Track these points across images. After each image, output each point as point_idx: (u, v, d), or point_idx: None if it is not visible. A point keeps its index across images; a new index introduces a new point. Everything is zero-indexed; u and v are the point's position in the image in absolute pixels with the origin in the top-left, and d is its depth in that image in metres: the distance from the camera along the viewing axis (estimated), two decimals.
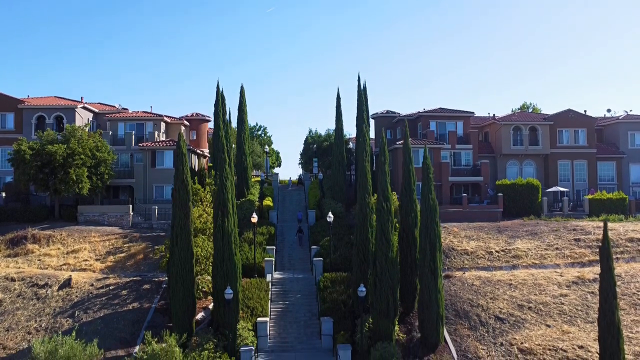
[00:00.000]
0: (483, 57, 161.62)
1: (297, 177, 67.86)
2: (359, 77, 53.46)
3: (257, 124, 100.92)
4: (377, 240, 31.51)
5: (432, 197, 31.69)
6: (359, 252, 34.27)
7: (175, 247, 31.28)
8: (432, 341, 31.16)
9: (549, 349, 30.24)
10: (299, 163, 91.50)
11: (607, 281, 24.15)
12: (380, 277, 31.09)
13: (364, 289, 30.62)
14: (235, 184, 47.56)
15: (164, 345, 24.63)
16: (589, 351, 29.84)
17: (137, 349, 28.79)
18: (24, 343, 30.95)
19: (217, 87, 56.07)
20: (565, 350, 30.13)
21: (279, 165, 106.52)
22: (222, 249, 31.47)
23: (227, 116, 55.22)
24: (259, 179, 62.66)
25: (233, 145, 55.14)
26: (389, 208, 31.55)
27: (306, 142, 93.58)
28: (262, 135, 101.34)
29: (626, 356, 27.87)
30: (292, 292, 39.10)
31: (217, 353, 27.80)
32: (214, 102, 53.23)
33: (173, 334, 26.11)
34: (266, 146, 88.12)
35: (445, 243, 42.02)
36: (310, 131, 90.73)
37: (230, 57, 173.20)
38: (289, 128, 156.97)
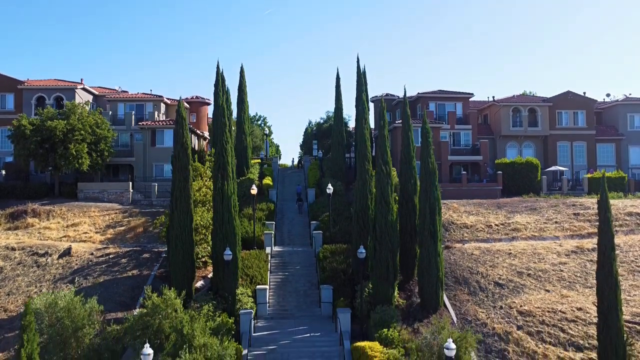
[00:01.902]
0: (482, 42, 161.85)
1: (298, 159, 67.82)
2: (358, 59, 53.75)
3: (257, 114, 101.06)
4: (377, 204, 31.55)
5: (432, 160, 31.75)
6: (358, 218, 34.31)
7: (175, 210, 31.33)
8: (431, 305, 31.20)
9: (548, 311, 30.30)
10: (299, 153, 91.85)
11: (605, 232, 24.21)
12: (379, 241, 31.13)
13: (363, 251, 30.66)
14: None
15: (164, 296, 24.66)
16: (587, 312, 29.93)
17: (136, 311, 28.82)
18: (24, 306, 30.94)
19: (217, 67, 56.20)
20: (564, 312, 30.20)
21: (279, 159, 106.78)
22: (221, 211, 31.53)
23: (227, 95, 55.27)
24: (259, 161, 62.72)
25: (233, 128, 55.20)
26: (388, 171, 31.60)
27: (306, 133, 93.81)
28: (262, 125, 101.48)
29: (624, 316, 27.92)
30: (291, 263, 39.14)
31: (217, 313, 27.81)
32: (214, 82, 53.13)
33: (172, 288, 26.13)
34: (266, 128, 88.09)
35: (444, 218, 42.06)
36: (309, 122, 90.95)
37: (229, 46, 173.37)
38: (288, 120, 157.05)
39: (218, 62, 70.89)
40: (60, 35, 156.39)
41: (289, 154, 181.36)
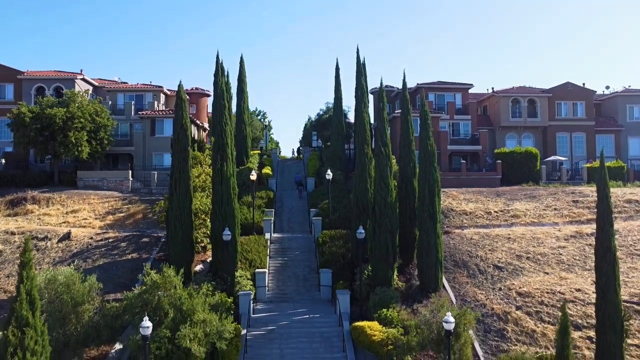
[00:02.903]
0: (483, 35, 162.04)
1: (297, 149, 67.88)
2: (357, 50, 53.69)
3: (256, 109, 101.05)
4: (376, 186, 31.61)
5: (430, 143, 31.80)
6: (357, 202, 34.34)
7: (175, 191, 31.39)
8: (431, 287, 31.24)
9: (547, 292, 30.37)
10: (299, 143, 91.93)
11: (604, 208, 24.24)
12: (379, 222, 31.18)
13: (362, 231, 30.72)
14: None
15: (164, 273, 24.69)
16: (586, 293, 30.00)
17: (136, 289, 28.83)
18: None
19: (217, 56, 55.29)
20: (562, 293, 30.27)
21: (279, 152, 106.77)
22: (220, 192, 31.61)
23: (227, 83, 55.27)
24: (258, 152, 62.76)
25: (233, 117, 55.20)
26: (387, 153, 31.67)
27: (305, 128, 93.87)
28: (262, 120, 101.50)
29: (622, 297, 27.95)
30: (290, 249, 39.18)
31: (216, 292, 27.80)
32: (214, 72, 53.13)
33: (172, 266, 26.17)
34: (266, 120, 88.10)
35: (444, 205, 42.08)
36: (309, 118, 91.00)
37: (229, 42, 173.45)
38: (287, 118, 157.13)
39: (218, 52, 70.33)
40: (60, 27, 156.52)
41: (289, 149, 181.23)
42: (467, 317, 25.13)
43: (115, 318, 25.10)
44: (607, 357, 22.88)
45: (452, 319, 22.19)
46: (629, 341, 25.99)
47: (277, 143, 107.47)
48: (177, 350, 22.89)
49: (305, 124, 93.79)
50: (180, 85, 34.05)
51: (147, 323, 21.60)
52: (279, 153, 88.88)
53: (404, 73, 35.11)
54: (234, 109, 55.30)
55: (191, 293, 24.93)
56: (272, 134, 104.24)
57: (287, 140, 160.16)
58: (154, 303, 24.54)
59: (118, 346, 26.89)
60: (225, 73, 53.87)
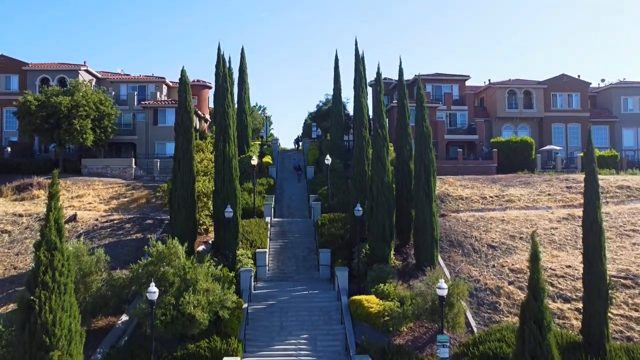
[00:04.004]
0: (479, 28, 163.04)
1: (296, 138, 69.02)
2: (356, 41, 54.53)
3: (257, 104, 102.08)
4: (373, 166, 32.65)
5: (426, 125, 32.82)
6: (355, 183, 35.41)
7: (178, 171, 32.44)
8: (426, 264, 32.18)
9: None
10: (299, 135, 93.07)
11: (591, 184, 25.33)
12: (376, 201, 32.22)
13: (360, 209, 31.77)
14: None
15: (168, 244, 25.75)
16: (576, 269, 31.00)
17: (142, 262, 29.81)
18: (32, 264, 32.06)
19: (219, 48, 56.48)
20: (553, 269, 31.31)
21: (279, 145, 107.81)
22: (222, 172, 32.66)
23: (229, 70, 56.27)
24: (259, 142, 63.77)
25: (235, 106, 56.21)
26: (384, 135, 32.72)
27: (305, 124, 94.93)
28: (262, 115, 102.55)
29: (610, 272, 29.04)
30: (290, 232, 40.25)
31: (218, 267, 28.76)
32: (215, 63, 54.24)
33: (176, 237, 27.23)
34: (267, 112, 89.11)
35: (440, 190, 43.09)
36: (308, 114, 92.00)
37: (230, 37, 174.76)
38: (287, 114, 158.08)
39: (219, 44, 71.41)
40: (63, 21, 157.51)
41: (288, 143, 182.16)
42: (460, 288, 26.20)
43: (123, 288, 26.13)
44: (592, 322, 23.89)
45: (444, 285, 23.25)
46: (614, 311, 27.08)
47: (277, 139, 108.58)
48: (181, 317, 23.94)
49: (305, 120, 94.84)
50: (183, 70, 35.12)
51: (153, 288, 22.67)
52: (279, 145, 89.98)
53: (400, 59, 35.93)
54: (235, 99, 56.34)
55: (194, 264, 25.96)
56: (272, 129, 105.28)
57: (287, 136, 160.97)
58: (159, 274, 25.57)
59: (125, 317, 27.95)
60: (227, 63, 54.93)
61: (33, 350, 14.24)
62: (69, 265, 16.07)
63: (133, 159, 50.34)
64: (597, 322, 23.89)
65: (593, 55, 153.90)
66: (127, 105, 55.80)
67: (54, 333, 14.73)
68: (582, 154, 54.44)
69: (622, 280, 29.66)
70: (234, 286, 28.89)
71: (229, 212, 31.73)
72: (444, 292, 23.28)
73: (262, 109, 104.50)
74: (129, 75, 62.64)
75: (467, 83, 61.27)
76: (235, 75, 56.72)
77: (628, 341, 25.39)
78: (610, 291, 24.49)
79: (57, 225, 15.78)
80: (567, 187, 44.79)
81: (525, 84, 61.16)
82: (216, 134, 33.67)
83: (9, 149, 51.53)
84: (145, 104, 54.13)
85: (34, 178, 45.16)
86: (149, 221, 38.38)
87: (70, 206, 41.28)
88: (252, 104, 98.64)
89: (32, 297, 14.61)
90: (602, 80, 69.31)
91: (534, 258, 19.32)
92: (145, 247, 27.28)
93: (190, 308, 23.70)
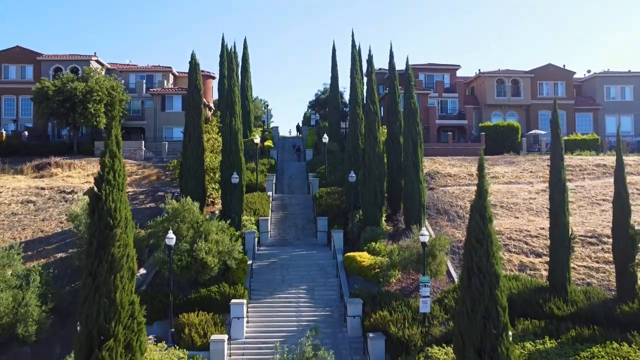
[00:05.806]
0: (469, 21, 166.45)
1: (297, 125, 72.36)
2: (352, 32, 57.77)
3: (257, 97, 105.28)
4: (366, 138, 35.92)
5: (414, 102, 36.08)
6: (350, 156, 38.69)
7: (189, 143, 35.71)
8: (414, 224, 35.40)
9: (516, 230, 34.72)
10: (299, 124, 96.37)
11: (556, 147, 28.56)
12: (368, 169, 35.48)
13: (353, 175, 35.09)
14: None
15: (182, 201, 29.05)
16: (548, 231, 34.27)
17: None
18: (57, 229, 35.58)
19: (222, 39, 60.50)
20: (529, 231, 34.61)
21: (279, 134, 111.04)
22: (229, 143, 35.96)
23: (234, 55, 59.44)
24: (261, 129, 66.99)
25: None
26: (376, 110, 35.99)
27: (305, 116, 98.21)
28: (263, 108, 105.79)
29: (579, 233, 32.37)
30: (290, 205, 43.55)
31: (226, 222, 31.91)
32: (219, 53, 57.63)
33: (189, 196, 30.54)
34: (267, 102, 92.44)
35: (430, 169, 46.38)
36: (309, 103, 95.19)
37: (231, 30, 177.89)
38: (287, 109, 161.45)
39: (223, 35, 75.04)
40: (72, 14, 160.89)
41: (288, 132, 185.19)
42: (442, 240, 29.48)
43: (142, 241, 29.40)
44: (557, 267, 27.11)
45: (426, 233, 26.57)
46: (578, 263, 30.41)
47: (277, 127, 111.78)
48: (195, 262, 27.21)
49: (305, 113, 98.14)
50: (193, 53, 38.37)
51: (171, 235, 25.97)
52: (279, 133, 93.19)
53: (391, 43, 39.80)
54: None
55: (206, 218, 29.23)
56: (272, 122, 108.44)
57: (287, 127, 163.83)
58: (174, 229, 28.79)
59: (142, 270, 31.19)
60: (230, 50, 58.24)
61: (101, 228, 18.30)
62: (123, 170, 19.50)
63: (143, 142, 53.61)
64: (560, 268, 27.10)
65: (579, 46, 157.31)
66: (136, 93, 59.12)
67: (115, 217, 18.85)
68: (565, 138, 57.79)
69: (589, 239, 32.93)
70: (240, 242, 32.13)
71: (235, 178, 34.98)
72: (426, 239, 26.57)
73: (263, 101, 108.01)
74: (136, 65, 65.94)
75: (459, 74, 64.69)
76: (239, 64, 60.03)
77: (588, 286, 28.68)
78: (572, 241, 27.69)
79: (116, 140, 19.09)
80: (548, 166, 47.65)
81: (513, 73, 64.50)
82: (223, 109, 37.05)
83: (26, 133, 54.83)
84: (154, 91, 57.40)
85: (52, 158, 48.46)
86: (160, 193, 41.72)
87: (86, 182, 44.49)
88: (254, 97, 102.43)
89: (99, 191, 18.76)
90: (589, 71, 72.75)
91: (481, 168, 22.38)
92: (162, 205, 30.46)
93: (203, 254, 26.96)
